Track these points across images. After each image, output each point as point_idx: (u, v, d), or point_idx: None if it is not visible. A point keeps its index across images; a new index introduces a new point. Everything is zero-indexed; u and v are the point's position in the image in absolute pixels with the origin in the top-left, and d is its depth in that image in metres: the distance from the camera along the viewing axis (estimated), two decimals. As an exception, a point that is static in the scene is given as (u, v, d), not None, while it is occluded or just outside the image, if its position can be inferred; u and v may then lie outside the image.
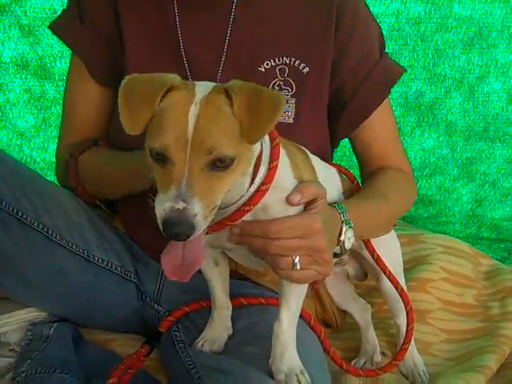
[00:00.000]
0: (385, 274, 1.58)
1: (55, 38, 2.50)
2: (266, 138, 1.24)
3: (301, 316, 1.36)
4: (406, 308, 1.62)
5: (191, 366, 1.37)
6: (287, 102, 1.55)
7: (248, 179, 1.22)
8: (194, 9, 1.59)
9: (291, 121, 1.56)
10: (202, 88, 1.13)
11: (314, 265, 1.28)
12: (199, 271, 1.51)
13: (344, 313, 1.82)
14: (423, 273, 2.08)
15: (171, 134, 1.08)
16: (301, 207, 1.27)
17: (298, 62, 1.57)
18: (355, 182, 1.60)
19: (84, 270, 1.56)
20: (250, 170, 1.21)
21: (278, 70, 1.57)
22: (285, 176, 1.27)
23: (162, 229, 1.08)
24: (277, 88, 1.56)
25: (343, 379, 1.59)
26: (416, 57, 2.40)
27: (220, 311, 1.44)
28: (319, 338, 1.51)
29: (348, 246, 1.38)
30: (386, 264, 1.59)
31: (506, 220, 2.71)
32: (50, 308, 1.59)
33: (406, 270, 1.75)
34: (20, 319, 1.57)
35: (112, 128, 1.68)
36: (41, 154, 2.70)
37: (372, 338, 1.77)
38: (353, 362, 1.74)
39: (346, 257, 1.58)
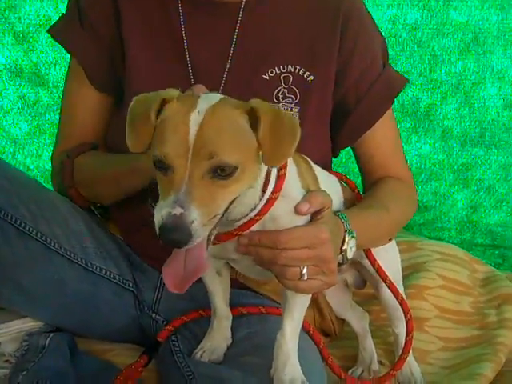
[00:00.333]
0: (385, 283, 1.57)
1: (49, 44, 2.52)
2: None
3: None
4: (405, 317, 1.61)
5: (190, 377, 1.35)
6: (291, 110, 1.54)
7: (258, 193, 1.21)
8: (201, 13, 1.57)
9: None
10: (208, 99, 1.13)
11: (321, 275, 1.27)
12: (200, 280, 1.51)
13: (342, 321, 1.80)
14: (420, 280, 2.07)
15: (171, 141, 1.08)
16: (308, 217, 1.27)
17: (302, 70, 1.56)
18: (356, 190, 1.60)
19: (82, 279, 1.54)
20: (260, 183, 1.20)
21: (283, 77, 1.56)
22: (292, 185, 1.26)
23: (158, 235, 1.07)
24: (281, 96, 1.55)
25: (341, 389, 1.58)
26: (413, 63, 2.40)
27: (220, 321, 1.42)
28: (318, 347, 1.50)
29: (350, 255, 1.37)
30: (386, 273, 1.58)
31: (501, 226, 2.71)
32: (48, 318, 1.57)
33: (403, 277, 1.74)
34: (15, 329, 1.54)
35: (110, 135, 1.66)
36: (34, 161, 2.68)
37: (369, 347, 1.76)
38: (350, 371, 1.73)
39: (345, 265, 1.57)
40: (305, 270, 1.24)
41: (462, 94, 2.53)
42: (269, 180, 1.21)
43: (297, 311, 1.30)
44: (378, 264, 1.55)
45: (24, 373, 1.42)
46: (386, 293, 1.62)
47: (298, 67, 1.56)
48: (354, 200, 1.56)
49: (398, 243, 1.73)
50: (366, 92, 1.61)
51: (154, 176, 1.14)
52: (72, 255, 1.52)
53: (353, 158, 1.73)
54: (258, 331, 1.45)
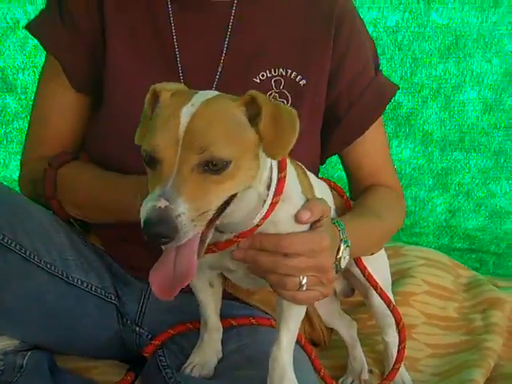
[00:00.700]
0: (376, 290, 1.53)
1: (18, 48, 2.43)
2: None
3: None
4: (397, 326, 1.57)
5: (181, 393, 1.29)
6: None
7: (262, 197, 1.15)
8: (190, 13, 1.52)
9: None
10: (205, 94, 1.08)
11: (319, 286, 1.23)
12: (187, 291, 1.45)
13: (330, 330, 1.77)
14: (406, 286, 2.06)
15: (160, 133, 1.03)
16: (308, 224, 1.22)
17: (294, 73, 1.52)
18: (345, 196, 1.56)
19: (63, 293, 1.46)
20: (262, 186, 1.14)
21: (274, 81, 1.51)
22: (293, 188, 1.21)
23: (143, 231, 1.00)
24: (272, 100, 1.50)
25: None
26: (393, 66, 2.38)
27: (211, 334, 1.36)
28: (310, 358, 1.45)
29: (343, 265, 1.33)
30: (377, 280, 1.54)
31: (479, 230, 2.71)
32: (25, 335, 1.48)
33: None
34: (-11, 349, 1.45)
35: (91, 137, 1.59)
36: (1, 171, 2.57)
37: (359, 355, 1.73)
38: (340, 380, 1.70)
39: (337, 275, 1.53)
40: (304, 281, 1.20)
41: (442, 97, 2.52)
42: (270, 183, 1.16)
43: (293, 322, 1.25)
44: (369, 272, 1.52)
45: (1, 395, 1.34)
46: (376, 300, 1.58)
47: (289, 71, 1.52)
48: (343, 207, 1.52)
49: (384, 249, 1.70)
50: (358, 97, 1.58)
51: None
52: (53, 268, 1.45)
53: (332, 164, 1.69)
54: (249, 343, 1.40)
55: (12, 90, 2.48)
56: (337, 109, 1.57)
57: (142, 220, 1.00)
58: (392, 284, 1.95)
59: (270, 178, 1.16)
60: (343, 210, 1.51)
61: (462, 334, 1.98)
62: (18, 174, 1.70)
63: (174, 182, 1.00)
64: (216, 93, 1.10)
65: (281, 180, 1.17)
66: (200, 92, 1.09)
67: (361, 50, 1.60)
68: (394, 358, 1.59)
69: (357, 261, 1.50)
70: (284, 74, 1.51)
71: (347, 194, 1.59)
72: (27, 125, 1.68)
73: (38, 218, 1.48)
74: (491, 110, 2.54)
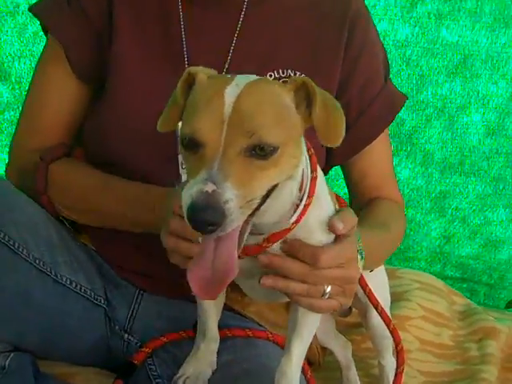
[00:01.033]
0: (376, 309, 1.45)
1: (16, 34, 2.34)
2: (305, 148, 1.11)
3: None
4: (396, 348, 1.49)
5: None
6: None
7: (295, 193, 1.08)
8: (200, 10, 1.46)
9: None
10: (246, 76, 1.01)
11: (341, 296, 1.18)
12: (185, 299, 1.36)
13: (324, 350, 1.69)
14: (402, 310, 2.00)
15: (202, 114, 0.96)
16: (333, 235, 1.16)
17: (303, 76, 1.45)
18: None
19: (50, 292, 1.37)
20: (299, 175, 1.07)
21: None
22: (323, 190, 1.15)
23: (187, 218, 0.92)
24: None
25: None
26: (400, 81, 2.35)
27: (208, 344, 1.28)
28: (306, 376, 1.37)
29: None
30: (378, 299, 1.47)
31: (473, 258, 2.66)
32: (7, 334, 1.37)
33: (385, 307, 1.66)
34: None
35: (90, 131, 1.50)
36: (-10, 163, 2.46)
37: (353, 378, 1.67)
38: (333, 403, 1.62)
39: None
40: (329, 289, 1.14)
41: (446, 117, 2.48)
42: (304, 181, 1.09)
43: (307, 332, 1.19)
44: (370, 289, 1.44)
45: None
46: (375, 320, 1.50)
47: (298, 72, 1.45)
48: None
49: (377, 271, 1.65)
50: (369, 105, 1.53)
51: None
52: (41, 264, 1.36)
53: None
54: (246, 356, 1.32)
55: (6, 78, 2.38)
56: (346, 115, 1.50)
57: (187, 205, 0.91)
58: (388, 306, 1.93)
59: (302, 178, 1.09)
60: None
61: (457, 363, 1.92)
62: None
63: (220, 165, 0.93)
64: (257, 77, 1.03)
65: (313, 180, 1.11)
66: (239, 75, 1.02)
67: (373, 56, 1.55)
68: (391, 383, 1.50)
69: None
70: (292, 75, 1.44)
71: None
72: (19, 115, 1.58)
73: (27, 210, 1.40)
74: (494, 134, 2.50)
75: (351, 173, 1.60)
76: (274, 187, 1.00)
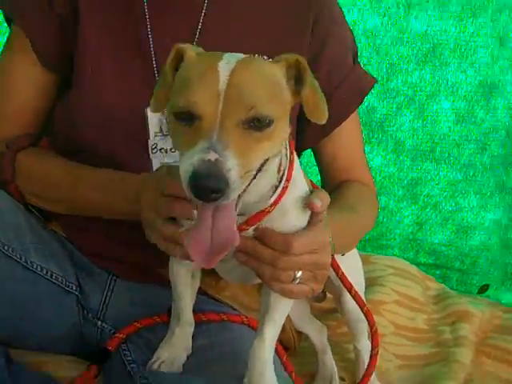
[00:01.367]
0: (350, 293, 1.46)
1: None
2: None
3: None
4: (371, 330, 1.50)
5: (151, 389, 1.20)
6: None
7: (276, 169, 1.09)
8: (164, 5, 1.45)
9: None
10: (233, 54, 1.03)
11: (312, 281, 1.18)
12: (158, 284, 1.36)
13: (300, 334, 1.70)
14: (376, 294, 2.01)
15: (198, 88, 0.96)
16: (308, 215, 1.16)
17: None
18: None
19: (20, 278, 1.35)
20: (283, 152, 1.09)
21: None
22: (298, 175, 1.16)
23: (189, 186, 0.92)
24: None
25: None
26: (370, 70, 2.32)
27: (183, 328, 1.27)
28: (281, 359, 1.37)
29: None
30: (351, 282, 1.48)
31: (445, 245, 2.67)
32: None
33: (359, 292, 1.67)
34: None
35: (59, 119, 1.49)
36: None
37: (329, 362, 1.67)
38: (309, 387, 1.63)
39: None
40: (299, 274, 1.15)
41: (416, 105, 2.48)
42: (281, 164, 1.10)
43: (279, 316, 1.19)
44: (342, 272, 1.44)
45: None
46: (349, 304, 1.52)
47: (265, 57, 1.44)
48: None
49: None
50: (337, 88, 1.53)
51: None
52: (10, 250, 1.34)
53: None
54: (221, 340, 1.32)
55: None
56: None
57: (189, 174, 0.92)
58: (362, 292, 1.94)
59: (281, 160, 1.10)
60: None
61: (431, 346, 1.94)
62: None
63: (219, 135, 0.94)
64: (244, 55, 1.04)
65: (291, 163, 1.12)
66: (228, 53, 1.03)
67: (340, 39, 1.56)
68: (366, 366, 1.52)
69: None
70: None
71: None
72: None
73: None
74: (463, 121, 2.51)
75: (322, 156, 1.61)
76: (265, 162, 1.01)
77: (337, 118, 1.54)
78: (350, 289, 1.45)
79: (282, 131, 1.03)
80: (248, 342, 1.22)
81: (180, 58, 1.05)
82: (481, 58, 2.47)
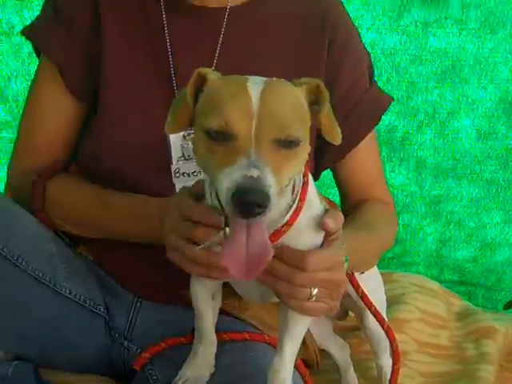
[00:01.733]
0: (370, 310, 1.48)
1: (11, 54, 2.37)
2: None
3: None
4: (391, 346, 1.52)
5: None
6: None
7: (290, 189, 1.13)
8: (185, 21, 1.50)
9: None
10: (256, 77, 1.07)
11: (328, 299, 1.20)
12: (183, 305, 1.39)
13: (322, 352, 1.71)
14: (399, 312, 2.02)
15: (232, 108, 1.00)
16: (322, 235, 1.19)
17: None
18: None
19: (50, 302, 1.40)
20: (300, 177, 1.14)
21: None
22: (314, 195, 1.19)
23: (231, 202, 0.95)
24: None
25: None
26: (390, 88, 2.36)
27: (206, 347, 1.30)
28: (303, 378, 1.39)
29: None
30: (371, 300, 1.49)
31: (469, 261, 2.66)
32: (8, 344, 1.40)
33: (383, 310, 1.68)
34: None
35: (83, 149, 1.54)
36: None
37: (352, 379, 1.69)
38: (332, 406, 1.64)
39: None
40: (315, 292, 1.17)
41: (437, 123, 2.49)
42: (296, 184, 1.14)
43: (297, 333, 1.21)
44: (363, 290, 1.47)
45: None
46: (371, 322, 1.53)
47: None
48: None
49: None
50: (354, 108, 1.56)
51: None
52: (40, 275, 1.38)
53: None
54: (243, 359, 1.35)
55: (3, 97, 2.39)
56: None
57: (232, 190, 0.95)
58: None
59: (294, 182, 1.14)
60: None
61: (455, 362, 1.94)
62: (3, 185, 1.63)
63: (256, 153, 0.97)
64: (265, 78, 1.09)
65: (304, 185, 1.16)
66: (250, 75, 1.08)
67: (356, 60, 1.59)
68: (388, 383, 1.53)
69: (351, 278, 1.44)
70: None
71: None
72: (18, 128, 1.61)
73: (25, 222, 1.43)
74: (484, 138, 2.51)
75: (340, 175, 1.63)
76: (291, 180, 1.06)
77: (354, 138, 1.57)
78: (370, 306, 1.47)
79: (306, 151, 1.07)
80: (270, 360, 1.23)
81: (200, 81, 1.09)
82: (500, 73, 2.47)
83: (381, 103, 1.62)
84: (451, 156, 2.53)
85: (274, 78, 1.09)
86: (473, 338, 2.04)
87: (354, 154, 1.59)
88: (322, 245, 1.19)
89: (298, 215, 1.14)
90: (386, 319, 1.56)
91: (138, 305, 1.49)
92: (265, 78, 1.07)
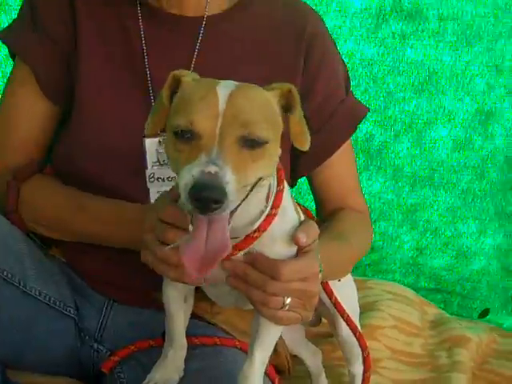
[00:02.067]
0: (342, 317, 1.50)
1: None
2: None
3: None
4: (363, 354, 1.53)
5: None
6: None
7: (264, 195, 1.14)
8: (161, 29, 1.51)
9: None
10: (228, 81, 1.10)
11: (301, 309, 1.20)
12: (155, 308, 1.40)
13: (294, 358, 1.72)
14: (373, 319, 2.04)
15: (198, 108, 1.03)
16: (296, 247, 1.20)
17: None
18: (315, 219, 1.53)
19: (19, 303, 1.39)
20: (268, 183, 1.14)
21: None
22: (288, 204, 1.20)
23: (188, 197, 0.97)
24: None
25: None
26: (368, 98, 2.39)
27: (176, 351, 1.31)
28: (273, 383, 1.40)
29: None
30: (344, 307, 1.51)
31: (445, 269, 2.69)
32: None
33: (355, 316, 1.69)
34: None
35: (58, 152, 1.54)
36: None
37: (324, 386, 1.69)
38: (303, 412, 1.65)
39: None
40: (288, 301, 1.17)
41: (414, 133, 2.53)
42: (270, 191, 1.15)
43: (268, 341, 1.22)
44: (336, 298, 1.48)
45: None
46: (344, 329, 1.54)
47: None
48: None
49: (348, 282, 1.68)
50: (329, 118, 1.57)
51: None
52: (9, 276, 1.38)
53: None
54: (213, 364, 1.35)
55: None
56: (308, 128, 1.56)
57: (189, 185, 0.97)
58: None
59: (269, 188, 1.15)
60: None
61: (428, 370, 1.95)
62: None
63: (218, 151, 1.00)
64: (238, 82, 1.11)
65: (279, 192, 1.17)
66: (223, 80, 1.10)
67: (332, 71, 1.60)
68: (359, 389, 1.55)
69: (324, 286, 1.46)
70: None
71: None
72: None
73: None
74: (461, 148, 2.55)
75: (315, 184, 1.65)
76: (256, 183, 1.07)
77: (329, 147, 1.59)
78: (342, 314, 1.48)
79: (274, 153, 1.09)
80: (240, 365, 1.24)
81: (176, 84, 1.11)
82: (477, 86, 2.52)
83: (356, 113, 1.64)
84: (428, 165, 2.57)
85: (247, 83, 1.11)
86: (446, 347, 2.06)
87: (330, 164, 1.60)
88: (296, 254, 1.19)
89: (270, 222, 1.14)
90: (359, 327, 1.58)
91: (110, 307, 1.49)
92: (237, 83, 1.09)
